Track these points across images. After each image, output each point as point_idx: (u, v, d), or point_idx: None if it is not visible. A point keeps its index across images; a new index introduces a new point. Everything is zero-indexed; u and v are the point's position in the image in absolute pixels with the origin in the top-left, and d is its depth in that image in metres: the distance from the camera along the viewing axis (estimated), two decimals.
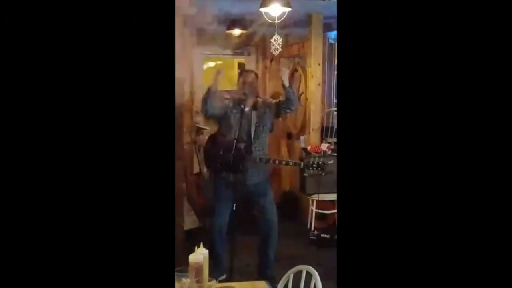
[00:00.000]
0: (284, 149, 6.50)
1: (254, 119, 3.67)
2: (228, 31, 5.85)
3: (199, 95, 6.55)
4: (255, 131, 3.69)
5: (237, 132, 3.55)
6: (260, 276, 3.78)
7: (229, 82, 6.31)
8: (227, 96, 3.88)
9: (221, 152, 3.65)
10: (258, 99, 3.85)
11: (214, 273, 2.95)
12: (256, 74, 3.76)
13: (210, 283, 1.81)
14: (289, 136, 6.30)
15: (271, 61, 6.60)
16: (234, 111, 3.69)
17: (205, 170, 5.30)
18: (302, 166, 3.69)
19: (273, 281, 3.34)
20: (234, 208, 3.61)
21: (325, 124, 5.83)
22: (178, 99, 2.91)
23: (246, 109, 3.63)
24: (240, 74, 3.76)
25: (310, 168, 3.63)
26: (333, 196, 4.99)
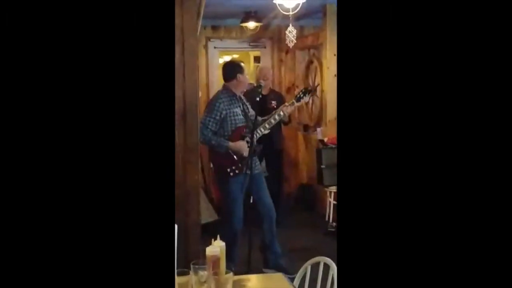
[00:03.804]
0: (300, 141, 6.49)
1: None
2: (242, 24, 5.84)
3: (215, 89, 6.62)
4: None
5: (251, 125, 3.59)
6: (266, 267, 3.84)
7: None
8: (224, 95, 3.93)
9: (238, 152, 3.71)
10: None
11: (230, 265, 2.97)
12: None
13: (227, 275, 1.82)
14: (306, 128, 6.29)
15: (286, 53, 6.58)
16: (235, 108, 3.74)
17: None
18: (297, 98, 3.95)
19: (282, 271, 3.39)
20: (251, 201, 3.63)
21: None
22: (193, 93, 2.91)
23: (258, 99, 3.70)
24: (240, 68, 3.83)
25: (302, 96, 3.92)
26: None
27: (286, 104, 3.96)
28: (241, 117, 3.70)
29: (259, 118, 3.76)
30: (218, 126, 3.66)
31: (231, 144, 3.67)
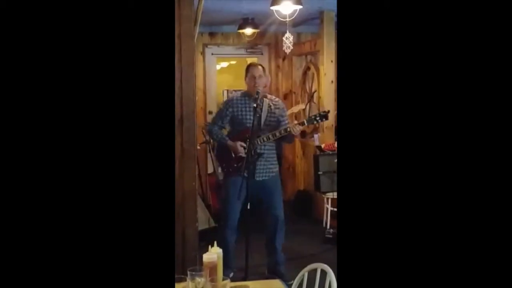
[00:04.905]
0: (298, 147, 6.49)
1: (264, 117, 3.71)
2: (240, 31, 5.85)
3: (212, 95, 6.63)
4: (266, 127, 3.72)
5: (250, 130, 3.57)
6: (270, 273, 3.80)
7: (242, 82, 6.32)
8: (239, 95, 3.90)
9: (233, 153, 3.70)
10: (268, 95, 3.91)
11: (224, 271, 2.97)
12: (263, 67, 3.80)
13: (224, 282, 1.81)
14: (303, 134, 6.29)
15: (283, 59, 6.59)
16: (246, 109, 3.71)
17: (219, 170, 5.31)
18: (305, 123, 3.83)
19: (283, 278, 3.36)
20: (248, 207, 3.61)
21: None
22: (190, 99, 2.91)
23: (257, 106, 3.65)
24: (247, 70, 3.80)
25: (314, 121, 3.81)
26: None
27: (296, 121, 3.92)
28: (251, 118, 3.61)
29: (265, 129, 3.71)
30: (226, 124, 3.78)
31: (229, 142, 3.71)
